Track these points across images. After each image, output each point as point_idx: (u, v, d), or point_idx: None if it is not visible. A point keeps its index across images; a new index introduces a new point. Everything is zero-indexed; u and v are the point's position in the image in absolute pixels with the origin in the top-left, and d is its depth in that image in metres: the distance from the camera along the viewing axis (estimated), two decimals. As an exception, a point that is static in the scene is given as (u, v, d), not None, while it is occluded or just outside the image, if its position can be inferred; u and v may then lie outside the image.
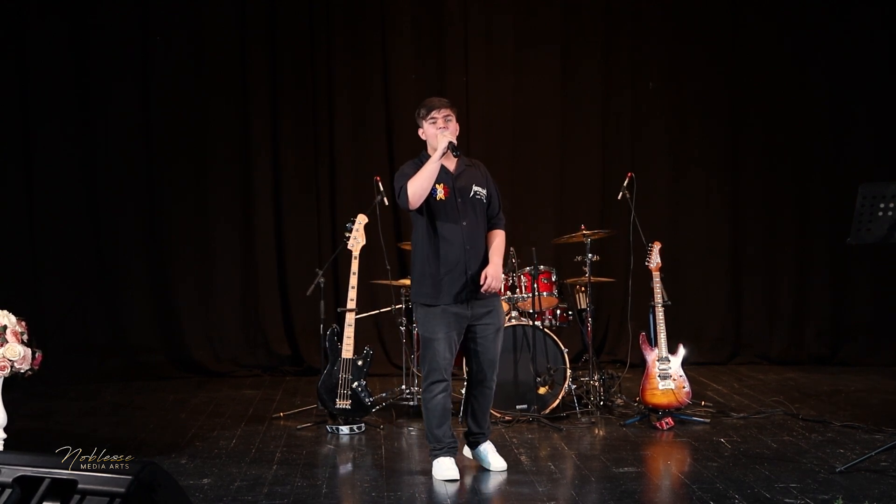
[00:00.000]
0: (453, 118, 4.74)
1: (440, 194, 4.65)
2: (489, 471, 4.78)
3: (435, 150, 4.66)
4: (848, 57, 8.12)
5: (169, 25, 7.88)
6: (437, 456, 4.71)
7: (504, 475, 4.72)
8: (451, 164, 4.74)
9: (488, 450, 4.85)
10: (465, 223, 4.67)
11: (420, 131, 4.80)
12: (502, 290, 6.01)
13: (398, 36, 8.10)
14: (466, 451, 4.97)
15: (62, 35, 7.69)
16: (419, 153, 4.81)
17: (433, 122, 4.70)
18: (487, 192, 4.79)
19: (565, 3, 8.22)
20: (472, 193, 4.72)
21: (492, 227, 4.84)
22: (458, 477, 4.63)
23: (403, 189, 4.62)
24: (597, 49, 8.24)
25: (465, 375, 5.74)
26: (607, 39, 8.25)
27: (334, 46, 8.05)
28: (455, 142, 4.65)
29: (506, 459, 4.84)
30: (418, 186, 4.58)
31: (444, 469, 4.65)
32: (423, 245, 4.70)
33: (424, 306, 4.71)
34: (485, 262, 4.71)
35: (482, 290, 4.67)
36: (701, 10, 8.26)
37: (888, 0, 8.02)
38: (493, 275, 4.69)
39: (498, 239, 4.83)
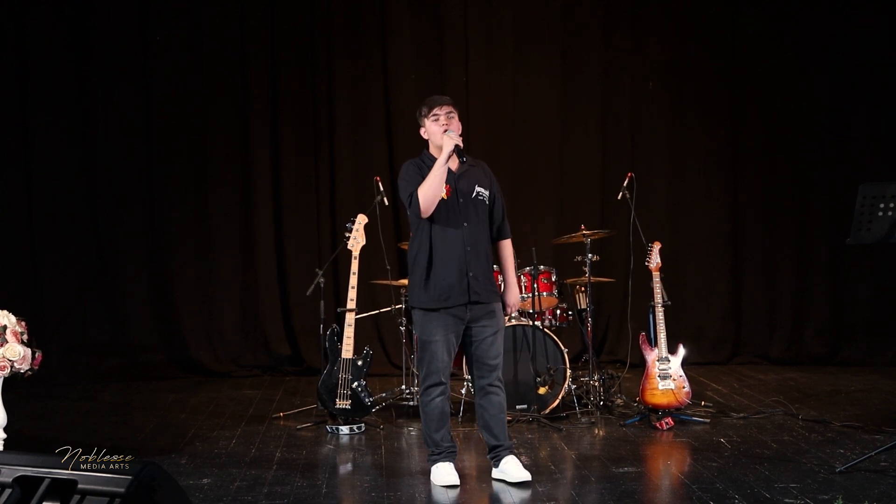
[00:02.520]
0: (455, 115, 4.59)
1: (442, 194, 4.49)
2: (501, 479, 4.58)
3: (438, 148, 4.52)
4: (848, 57, 8.12)
5: (169, 25, 7.88)
6: (435, 461, 4.59)
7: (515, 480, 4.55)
8: (454, 163, 4.57)
9: (510, 462, 4.55)
10: (466, 224, 4.53)
11: (422, 130, 4.62)
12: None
13: (398, 36, 8.09)
14: (494, 474, 4.61)
15: (62, 35, 7.69)
16: (419, 152, 4.72)
17: (436, 120, 4.54)
18: (490, 194, 4.64)
19: (565, 3, 8.21)
20: (474, 194, 4.58)
21: (499, 236, 4.70)
22: (457, 482, 4.52)
23: (414, 198, 4.46)
24: (597, 49, 8.24)
25: (465, 375, 5.79)
26: (607, 39, 8.25)
27: (334, 47, 8.05)
28: (461, 144, 4.48)
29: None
30: (430, 194, 4.43)
31: (444, 475, 4.54)
32: (424, 247, 4.54)
33: (423, 310, 4.56)
34: (487, 264, 4.59)
35: (505, 316, 4.74)
36: (701, 9, 8.25)
37: (888, 0, 8.03)
38: (514, 303, 4.78)
39: (508, 253, 4.74)
